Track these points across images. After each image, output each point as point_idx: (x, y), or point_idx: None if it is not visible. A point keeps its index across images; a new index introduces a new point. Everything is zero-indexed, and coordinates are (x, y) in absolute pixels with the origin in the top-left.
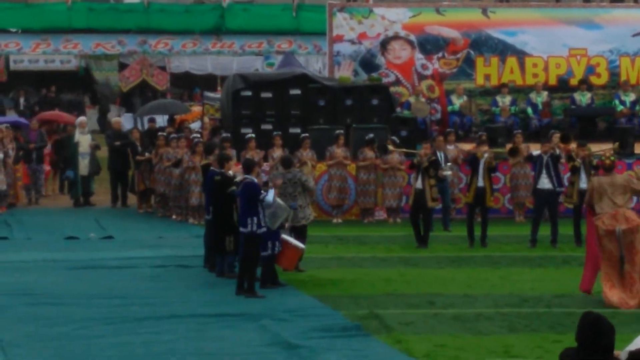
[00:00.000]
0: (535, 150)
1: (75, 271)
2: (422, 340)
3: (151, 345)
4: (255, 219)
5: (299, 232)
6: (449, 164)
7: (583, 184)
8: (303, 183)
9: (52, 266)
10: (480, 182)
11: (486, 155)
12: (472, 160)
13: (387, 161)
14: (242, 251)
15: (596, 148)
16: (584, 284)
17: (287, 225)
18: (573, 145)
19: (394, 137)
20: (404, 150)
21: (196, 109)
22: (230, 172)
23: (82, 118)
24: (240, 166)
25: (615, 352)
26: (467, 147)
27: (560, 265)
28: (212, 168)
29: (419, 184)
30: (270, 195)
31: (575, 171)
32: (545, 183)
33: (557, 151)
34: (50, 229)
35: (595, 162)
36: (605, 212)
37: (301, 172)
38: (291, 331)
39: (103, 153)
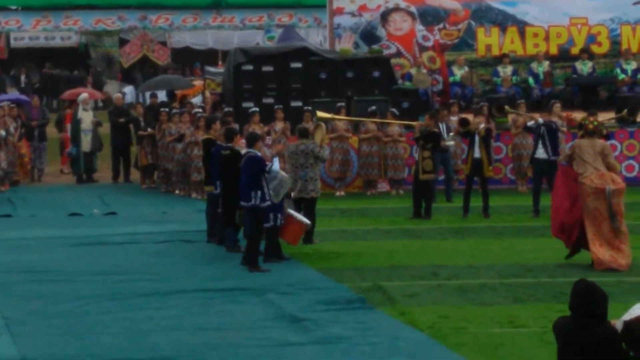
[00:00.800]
0: (531, 121)
1: (79, 248)
2: (426, 311)
3: (156, 320)
4: (259, 192)
5: (308, 205)
6: (451, 134)
7: None
8: (316, 154)
9: (56, 243)
10: (477, 154)
11: (481, 126)
12: (467, 132)
13: (388, 133)
14: (247, 225)
15: (601, 117)
16: (554, 230)
17: (292, 194)
18: (577, 115)
19: (393, 109)
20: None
21: (197, 83)
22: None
23: (84, 95)
24: (242, 140)
25: (612, 322)
26: (470, 117)
27: None
28: (218, 142)
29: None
30: (276, 165)
31: None
32: (540, 153)
33: (559, 121)
34: (53, 206)
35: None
36: (590, 172)
37: (314, 144)
38: (296, 304)
39: (105, 130)
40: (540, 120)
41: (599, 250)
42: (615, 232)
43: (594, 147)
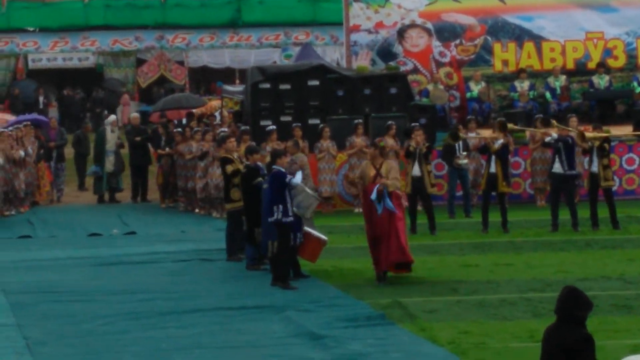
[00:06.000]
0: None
1: (98, 267)
2: (446, 327)
3: (176, 339)
4: (281, 207)
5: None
6: (464, 152)
7: (594, 167)
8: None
9: (75, 263)
10: (492, 169)
11: (499, 142)
12: (483, 148)
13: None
14: (264, 244)
15: (616, 131)
16: None
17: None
18: (588, 128)
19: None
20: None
21: (215, 102)
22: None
23: (112, 117)
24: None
25: None
26: (486, 133)
27: (583, 249)
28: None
29: (416, 171)
30: (298, 178)
31: (586, 154)
32: (557, 167)
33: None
34: (73, 226)
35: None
36: None
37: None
38: (315, 321)
39: (126, 150)
40: (555, 135)
41: None
42: None
43: None
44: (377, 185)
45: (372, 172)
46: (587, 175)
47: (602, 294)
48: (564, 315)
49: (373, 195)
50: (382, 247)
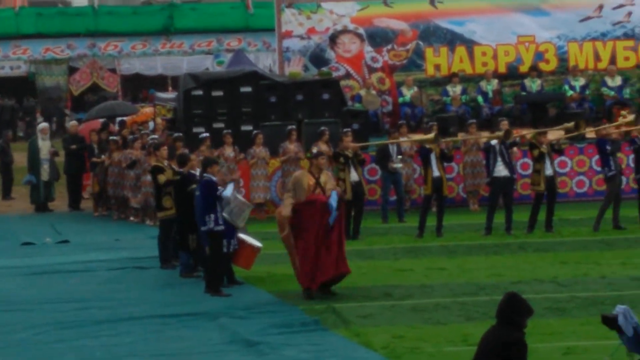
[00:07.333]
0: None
1: (32, 277)
2: (380, 332)
3: (111, 348)
4: (212, 215)
5: None
6: (399, 156)
7: (548, 170)
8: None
9: (8, 272)
10: (436, 172)
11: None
12: (422, 152)
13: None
14: (200, 251)
15: (549, 135)
16: None
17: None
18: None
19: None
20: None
21: (147, 110)
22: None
23: (43, 124)
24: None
25: None
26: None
27: (516, 252)
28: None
29: (354, 177)
30: (229, 191)
31: (540, 158)
32: (501, 170)
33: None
34: (5, 235)
35: (560, 146)
36: None
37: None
38: (250, 328)
39: (61, 158)
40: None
41: None
42: None
43: None
44: (336, 191)
45: (311, 182)
46: (543, 179)
47: (535, 297)
48: (502, 319)
49: (334, 201)
50: (323, 259)
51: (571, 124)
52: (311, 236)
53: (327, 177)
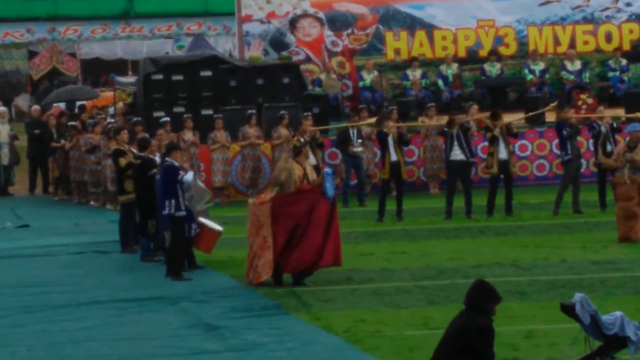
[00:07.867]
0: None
1: None
2: (341, 316)
3: (71, 332)
4: (173, 201)
5: None
6: (359, 140)
7: (502, 154)
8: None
9: None
10: (394, 157)
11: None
12: (380, 136)
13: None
14: (160, 236)
15: (508, 117)
16: None
17: (205, 207)
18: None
19: (307, 113)
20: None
21: (108, 94)
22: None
23: (2, 108)
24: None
25: None
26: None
27: (476, 236)
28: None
29: (312, 161)
30: (190, 176)
31: (494, 141)
32: (457, 154)
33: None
34: None
35: (514, 130)
36: None
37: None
38: (211, 312)
39: (21, 142)
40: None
41: None
42: None
43: None
44: (327, 169)
45: (300, 172)
46: (496, 162)
47: (496, 281)
48: (469, 304)
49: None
50: (295, 250)
51: (555, 103)
52: (288, 226)
53: (310, 167)
